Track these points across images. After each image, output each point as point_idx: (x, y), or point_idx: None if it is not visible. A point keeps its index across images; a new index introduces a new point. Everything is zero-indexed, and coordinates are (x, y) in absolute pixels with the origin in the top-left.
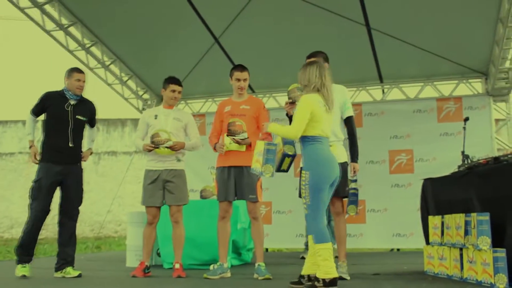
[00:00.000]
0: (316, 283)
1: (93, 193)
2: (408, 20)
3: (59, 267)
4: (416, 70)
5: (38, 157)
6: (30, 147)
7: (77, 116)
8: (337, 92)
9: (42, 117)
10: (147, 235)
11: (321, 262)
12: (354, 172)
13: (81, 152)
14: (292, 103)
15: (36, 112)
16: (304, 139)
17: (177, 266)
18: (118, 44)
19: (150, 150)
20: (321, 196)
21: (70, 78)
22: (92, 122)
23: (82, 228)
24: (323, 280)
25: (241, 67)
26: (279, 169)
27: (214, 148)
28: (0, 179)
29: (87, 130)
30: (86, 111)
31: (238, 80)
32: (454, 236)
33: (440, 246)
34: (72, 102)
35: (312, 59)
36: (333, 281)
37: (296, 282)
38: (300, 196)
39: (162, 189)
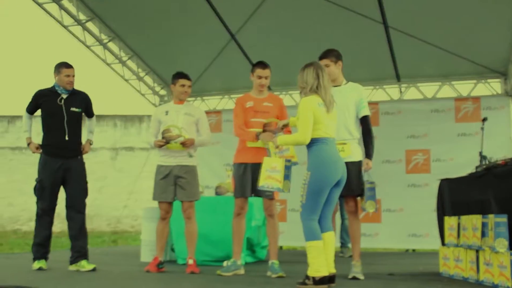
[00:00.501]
0: (306, 280)
1: (110, 188)
2: (426, 19)
3: (74, 260)
4: (434, 70)
5: (39, 150)
6: (28, 144)
7: (71, 109)
8: (352, 90)
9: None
10: (160, 231)
11: (311, 260)
12: (366, 167)
13: (81, 144)
14: None
15: (30, 110)
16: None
17: (190, 262)
18: (136, 40)
19: (161, 146)
20: (318, 198)
21: (60, 74)
22: (88, 112)
23: (99, 222)
24: (313, 278)
25: (263, 65)
26: None
27: (256, 137)
28: (19, 173)
29: (86, 122)
30: (80, 102)
31: (260, 77)
32: (470, 238)
33: (456, 247)
34: (64, 96)
35: (311, 62)
36: (323, 280)
37: (302, 283)
38: None
39: (174, 185)
